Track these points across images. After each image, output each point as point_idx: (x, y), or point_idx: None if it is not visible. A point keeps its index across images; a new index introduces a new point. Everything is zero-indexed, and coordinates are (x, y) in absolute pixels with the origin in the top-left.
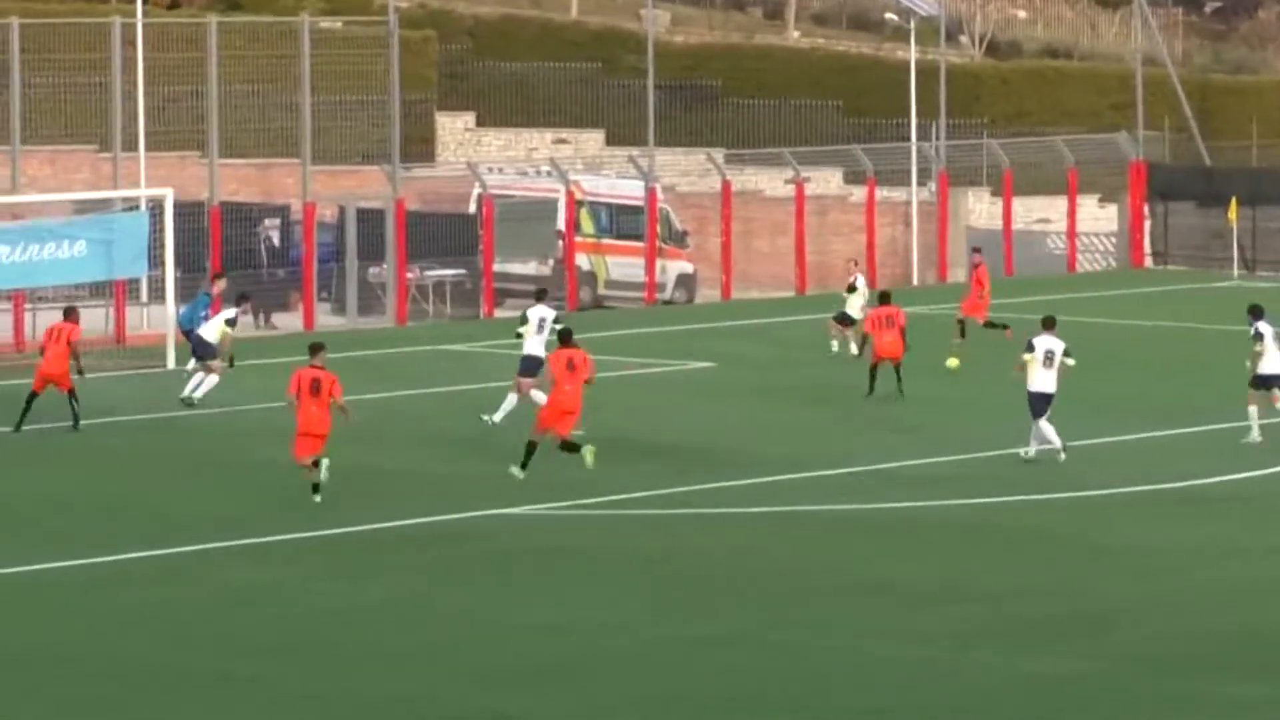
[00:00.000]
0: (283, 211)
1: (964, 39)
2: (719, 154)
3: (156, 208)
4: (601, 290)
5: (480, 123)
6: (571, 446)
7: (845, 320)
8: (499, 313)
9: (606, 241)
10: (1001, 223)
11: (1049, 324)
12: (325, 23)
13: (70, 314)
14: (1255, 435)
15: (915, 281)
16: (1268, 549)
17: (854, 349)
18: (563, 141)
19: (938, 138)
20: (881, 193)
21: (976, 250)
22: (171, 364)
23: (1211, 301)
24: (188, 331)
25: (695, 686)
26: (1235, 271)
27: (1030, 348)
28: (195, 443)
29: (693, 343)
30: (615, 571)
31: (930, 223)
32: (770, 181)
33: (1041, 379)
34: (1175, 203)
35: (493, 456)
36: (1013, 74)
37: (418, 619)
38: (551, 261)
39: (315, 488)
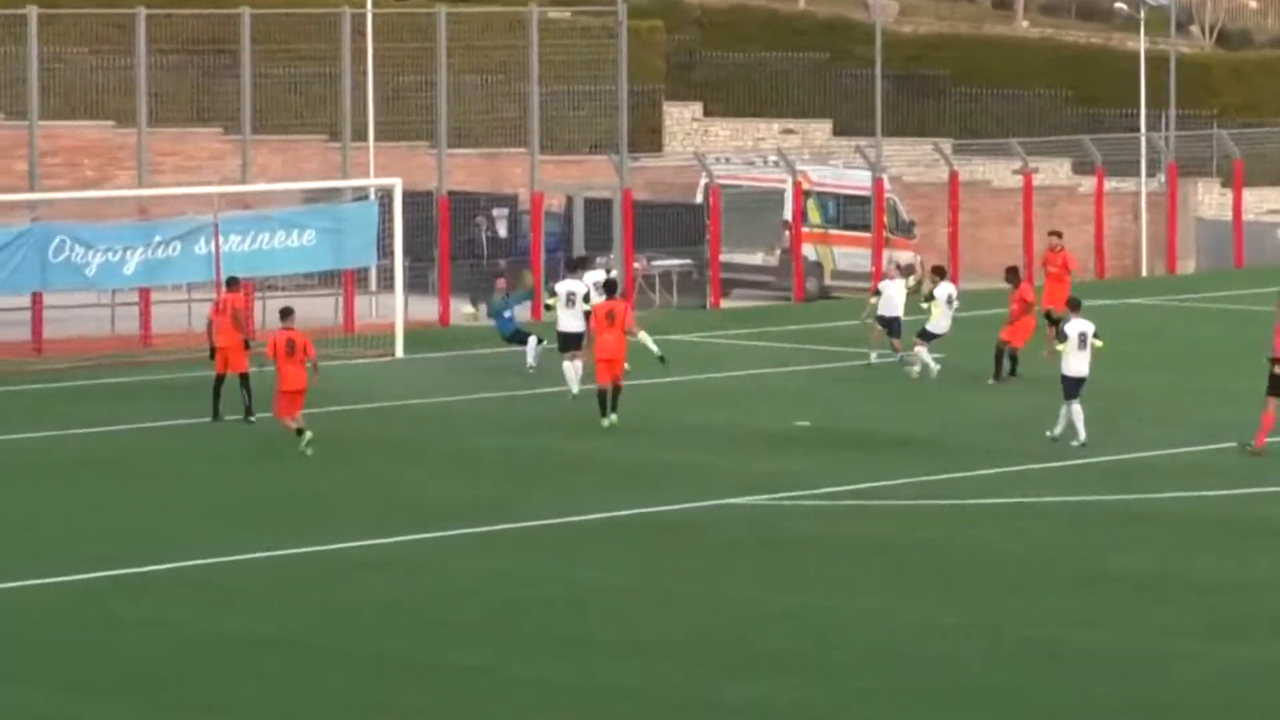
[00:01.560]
0: (510, 201)
1: (1194, 29)
2: (946, 144)
3: (385, 197)
4: (828, 281)
5: (708, 113)
6: (609, 400)
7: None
8: (725, 303)
9: (833, 232)
10: (1231, 214)
11: (1076, 306)
12: (554, 13)
13: (233, 285)
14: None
15: (1144, 273)
16: None
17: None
18: (790, 132)
19: (1167, 128)
20: (1110, 183)
21: (1056, 234)
22: (400, 353)
23: None
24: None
25: (934, 676)
26: None
27: (1063, 335)
28: (421, 430)
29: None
30: (853, 560)
31: (1159, 214)
32: (998, 172)
33: (1076, 362)
34: None
35: (715, 447)
36: (1243, 64)
37: (654, 608)
38: (778, 252)
39: (301, 432)
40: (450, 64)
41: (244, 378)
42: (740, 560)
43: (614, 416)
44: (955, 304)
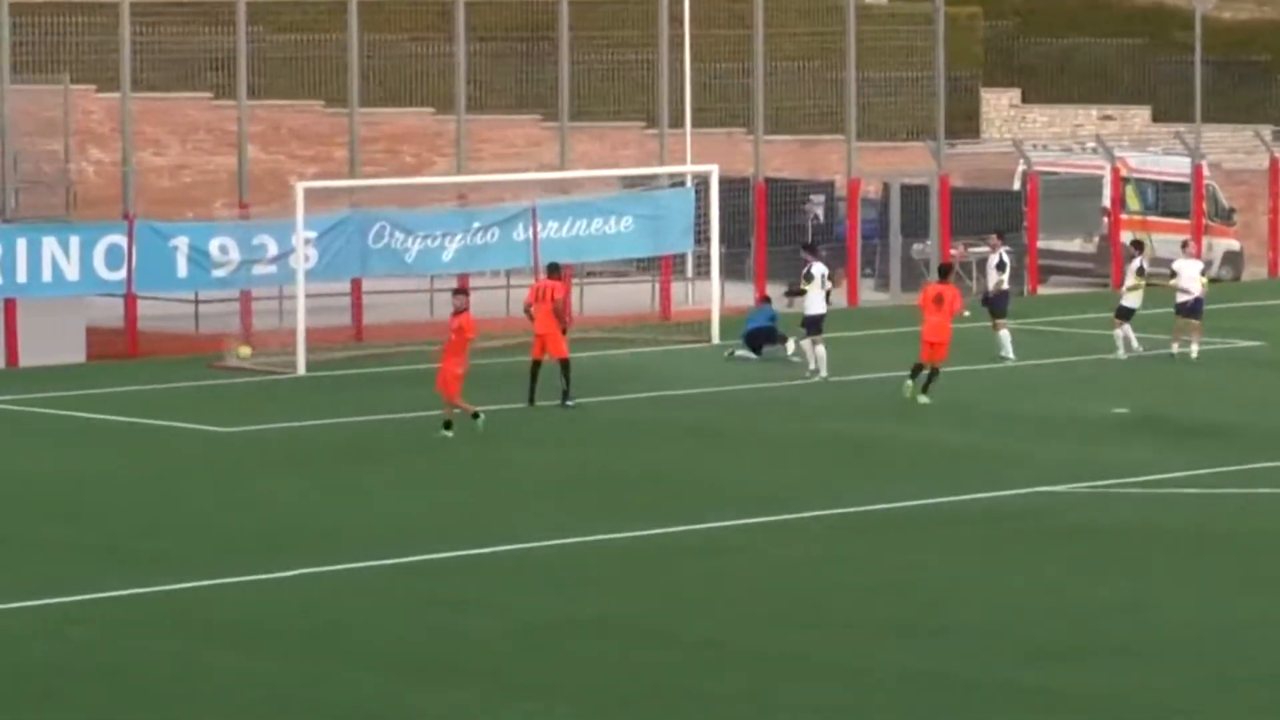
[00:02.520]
0: (827, 188)
1: None
2: (1267, 131)
3: (702, 184)
4: (1148, 267)
5: (1025, 99)
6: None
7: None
8: (1043, 290)
9: (1152, 218)
10: None
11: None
12: None
13: (554, 271)
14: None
15: None
16: None
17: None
18: (1108, 118)
19: None
20: None
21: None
22: (716, 339)
23: None
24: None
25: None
26: None
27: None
28: (739, 415)
29: (1240, 320)
30: (1175, 550)
31: None
32: None
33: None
34: None
35: (1023, 433)
36: None
37: (971, 594)
38: (1097, 238)
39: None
40: (767, 50)
41: (564, 364)
42: (1067, 548)
43: (924, 398)
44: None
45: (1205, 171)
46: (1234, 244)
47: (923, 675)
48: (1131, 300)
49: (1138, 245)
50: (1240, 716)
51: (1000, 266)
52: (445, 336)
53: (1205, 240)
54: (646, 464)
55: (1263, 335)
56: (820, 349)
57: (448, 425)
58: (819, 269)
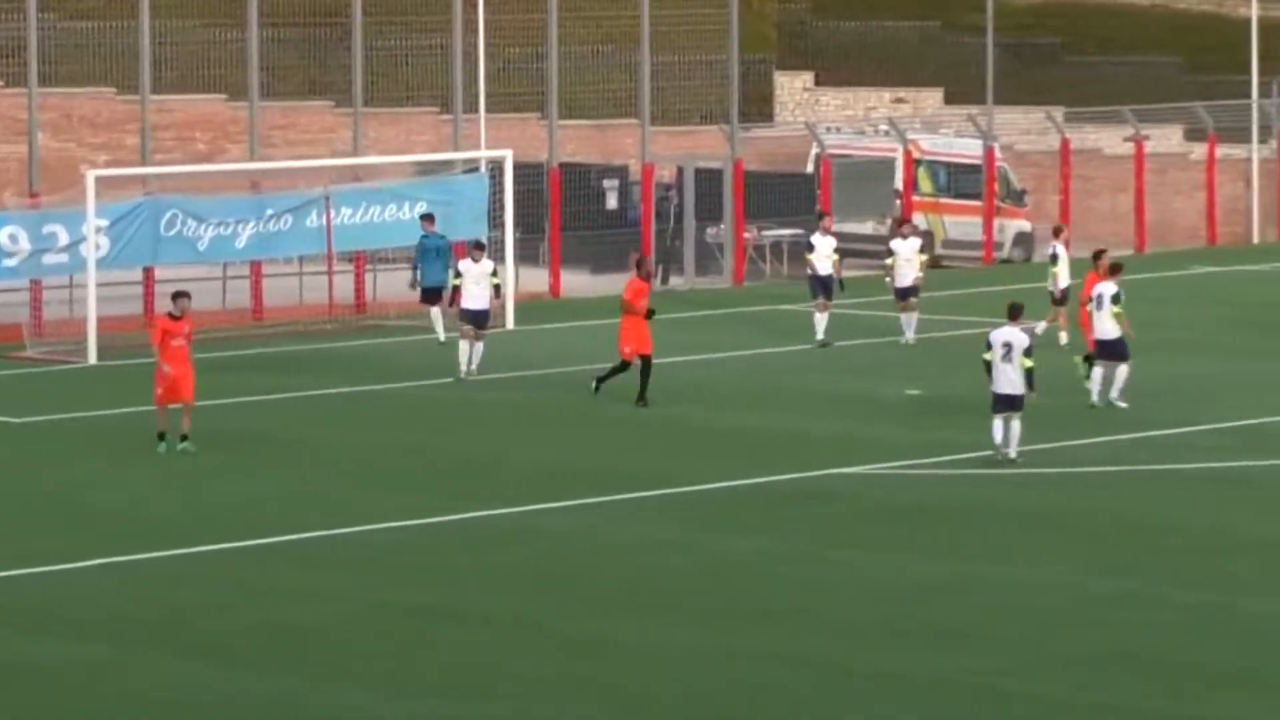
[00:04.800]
0: (621, 172)
1: None
2: (1058, 112)
3: (496, 169)
4: (939, 249)
5: (819, 82)
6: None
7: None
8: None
9: (944, 200)
10: None
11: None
12: None
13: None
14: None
15: (1255, 239)
16: None
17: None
18: (901, 101)
19: (1279, 94)
20: (1222, 150)
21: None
22: (511, 324)
23: None
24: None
25: (1096, 645)
26: None
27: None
28: (541, 400)
29: (1031, 301)
30: (987, 529)
31: (1271, 180)
32: (1109, 139)
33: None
34: None
35: (840, 415)
36: None
37: (787, 575)
38: (889, 220)
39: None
40: (561, 35)
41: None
42: (875, 528)
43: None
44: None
45: (997, 153)
46: (1025, 225)
47: (742, 657)
48: (908, 279)
49: (905, 225)
50: (1065, 695)
51: (809, 248)
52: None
53: (997, 222)
54: (473, 447)
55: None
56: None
57: (178, 438)
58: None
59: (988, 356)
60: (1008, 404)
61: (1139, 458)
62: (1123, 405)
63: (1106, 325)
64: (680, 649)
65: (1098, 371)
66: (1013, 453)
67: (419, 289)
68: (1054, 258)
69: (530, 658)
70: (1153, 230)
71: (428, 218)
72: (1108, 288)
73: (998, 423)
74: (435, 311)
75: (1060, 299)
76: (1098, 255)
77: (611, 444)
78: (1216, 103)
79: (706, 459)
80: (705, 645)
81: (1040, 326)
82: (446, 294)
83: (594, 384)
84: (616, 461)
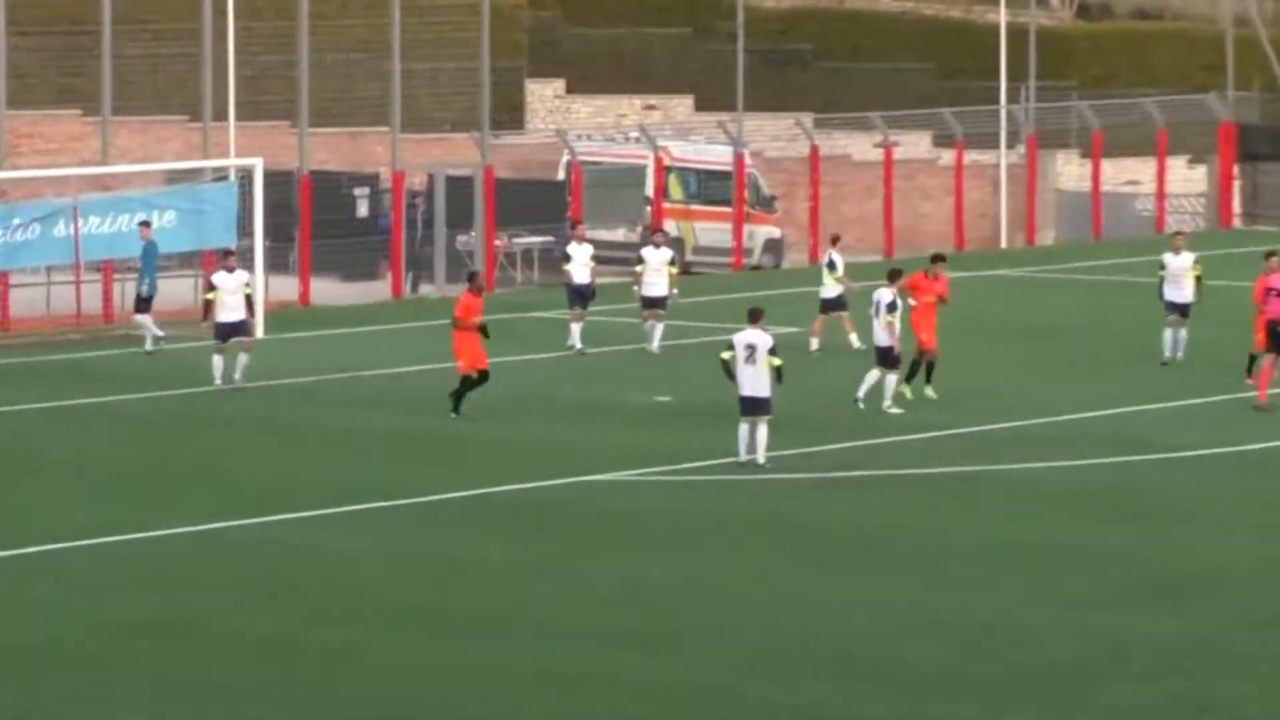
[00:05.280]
0: (371, 180)
1: (1054, 1)
2: (808, 118)
3: (246, 177)
4: (689, 256)
5: (570, 89)
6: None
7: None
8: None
9: (695, 207)
10: (1090, 185)
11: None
12: None
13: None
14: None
15: (1004, 244)
16: None
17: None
18: (652, 108)
19: (1027, 100)
20: (970, 156)
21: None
22: (260, 333)
23: None
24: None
25: (819, 648)
26: None
27: (894, 306)
28: (289, 410)
29: (780, 307)
30: (729, 533)
31: (1019, 185)
32: (859, 145)
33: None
34: (1265, 163)
35: (586, 423)
36: (1103, 36)
37: (528, 583)
38: (640, 227)
39: None
40: (312, 42)
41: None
42: (622, 534)
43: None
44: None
45: (747, 160)
46: (775, 231)
47: (480, 669)
48: (658, 289)
49: (657, 233)
50: (800, 697)
51: (566, 258)
52: None
53: (747, 228)
54: (205, 458)
55: (803, 321)
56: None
57: None
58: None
59: (725, 355)
60: (752, 407)
61: (883, 463)
62: (895, 412)
63: (880, 333)
64: (406, 660)
65: (874, 374)
66: (761, 458)
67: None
68: (830, 265)
69: (257, 668)
70: (901, 236)
71: (146, 224)
72: (884, 295)
73: (744, 427)
74: (146, 319)
75: (834, 305)
76: (935, 259)
77: (356, 454)
78: (965, 109)
79: (454, 468)
80: (430, 657)
81: (855, 286)
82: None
83: (453, 406)
84: (360, 472)
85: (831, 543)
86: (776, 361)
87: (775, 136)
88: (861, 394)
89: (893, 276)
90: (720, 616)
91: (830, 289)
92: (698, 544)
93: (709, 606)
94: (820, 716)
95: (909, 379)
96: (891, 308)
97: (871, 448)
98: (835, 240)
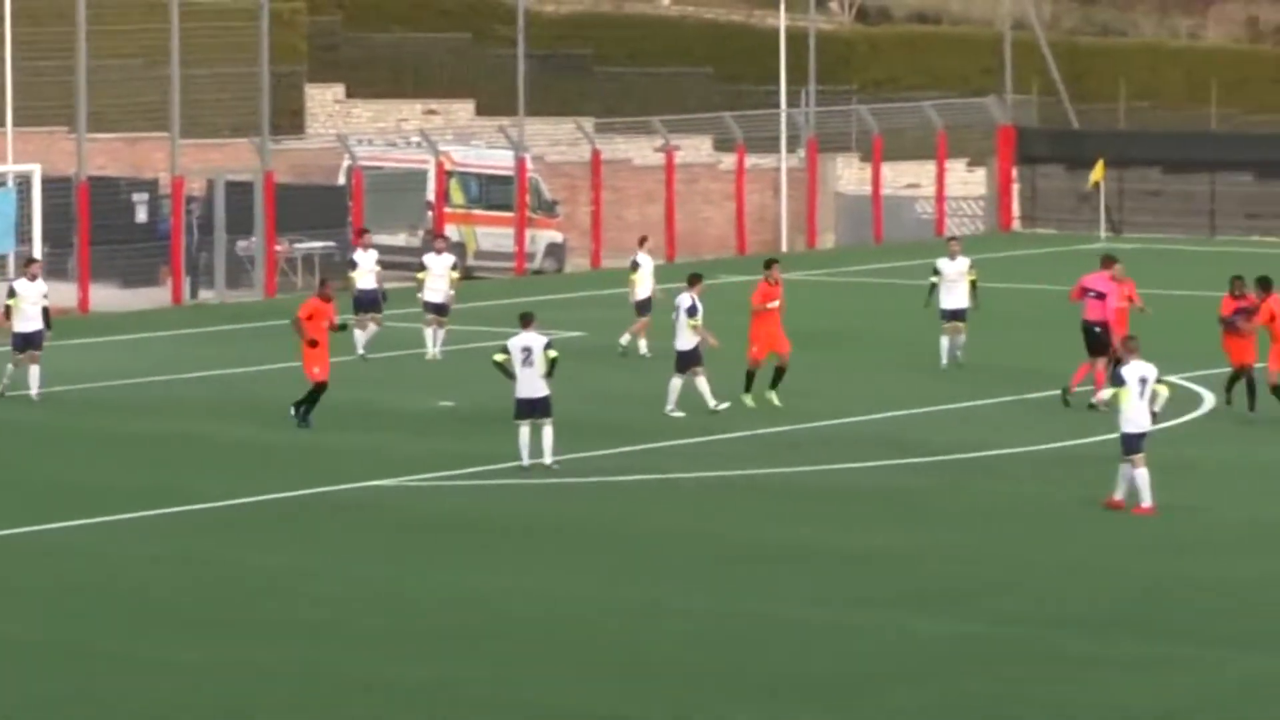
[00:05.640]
0: (150, 186)
1: (834, 5)
2: (589, 123)
3: (24, 183)
4: (471, 261)
5: (350, 94)
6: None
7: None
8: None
9: (476, 212)
10: (870, 188)
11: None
12: None
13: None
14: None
15: (784, 248)
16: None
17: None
18: (432, 112)
19: (807, 104)
20: (751, 160)
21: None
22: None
23: (1078, 264)
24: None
25: (606, 652)
26: (1102, 233)
27: (694, 310)
28: (72, 417)
29: (562, 312)
30: (507, 539)
31: (800, 189)
32: (640, 150)
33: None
34: (1043, 166)
35: (371, 428)
36: (882, 39)
37: (313, 587)
38: (421, 233)
39: None
40: (91, 47)
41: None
42: (397, 540)
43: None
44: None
45: (528, 164)
46: (557, 236)
47: (250, 667)
48: (440, 295)
49: (439, 239)
50: (572, 700)
51: (352, 265)
52: None
53: (529, 233)
54: None
55: (586, 326)
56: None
57: None
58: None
59: (499, 358)
60: (530, 409)
61: (667, 466)
62: (677, 415)
63: (683, 337)
64: (186, 663)
65: (676, 380)
66: (548, 459)
67: None
68: (634, 266)
69: (40, 676)
70: (683, 240)
71: None
72: (684, 300)
73: (524, 430)
74: None
75: (640, 307)
76: (768, 264)
77: (139, 460)
78: (746, 113)
79: (239, 474)
80: (210, 659)
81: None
82: None
83: (297, 416)
84: (141, 478)
85: (610, 546)
86: (553, 353)
87: (556, 141)
88: (671, 405)
89: (693, 281)
90: (492, 620)
91: (641, 290)
92: (476, 548)
93: (481, 610)
94: (594, 718)
95: (747, 389)
96: (692, 312)
97: (655, 451)
98: (643, 241)
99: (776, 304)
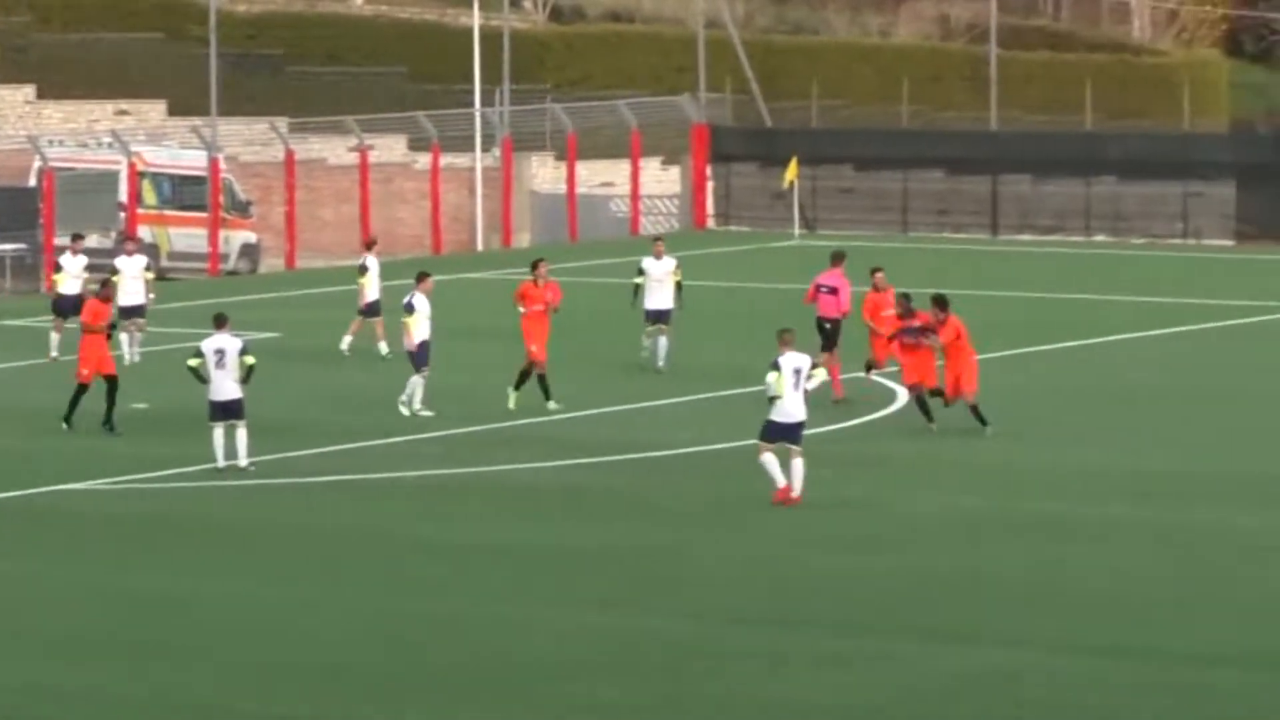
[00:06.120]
0: None
1: (527, 4)
2: (282, 123)
3: None
4: (165, 262)
5: (41, 95)
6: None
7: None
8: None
9: (169, 213)
10: (565, 187)
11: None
12: None
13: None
14: None
15: (480, 247)
16: (837, 502)
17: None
18: (124, 113)
19: (502, 103)
20: (446, 159)
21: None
22: None
23: (773, 260)
24: None
25: (300, 653)
26: (796, 231)
27: (410, 308)
28: None
29: (257, 313)
30: (211, 541)
31: (495, 188)
32: (334, 150)
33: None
34: (737, 164)
35: (65, 431)
36: (576, 38)
37: (6, 592)
38: (114, 234)
39: None
40: None
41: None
42: (88, 544)
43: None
44: None
45: (222, 165)
46: (251, 236)
47: None
48: (135, 298)
49: (130, 241)
50: (291, 704)
51: (57, 268)
52: None
53: (222, 233)
54: None
55: (280, 326)
56: None
57: None
58: None
59: (193, 362)
60: (223, 411)
61: (367, 466)
62: (426, 414)
63: (411, 335)
64: None
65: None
66: (243, 462)
67: None
68: (363, 269)
69: None
70: (379, 240)
71: None
72: (409, 297)
73: (218, 432)
74: None
75: (368, 310)
76: (536, 264)
77: None
78: (440, 112)
79: None
80: None
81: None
82: None
83: (64, 421)
84: None
85: (302, 547)
86: (250, 360)
87: (250, 141)
88: (406, 399)
89: (420, 278)
90: (193, 626)
91: (371, 292)
92: (167, 550)
93: (186, 615)
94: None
95: (517, 386)
96: (408, 309)
97: (351, 452)
98: (371, 245)
99: (540, 307)
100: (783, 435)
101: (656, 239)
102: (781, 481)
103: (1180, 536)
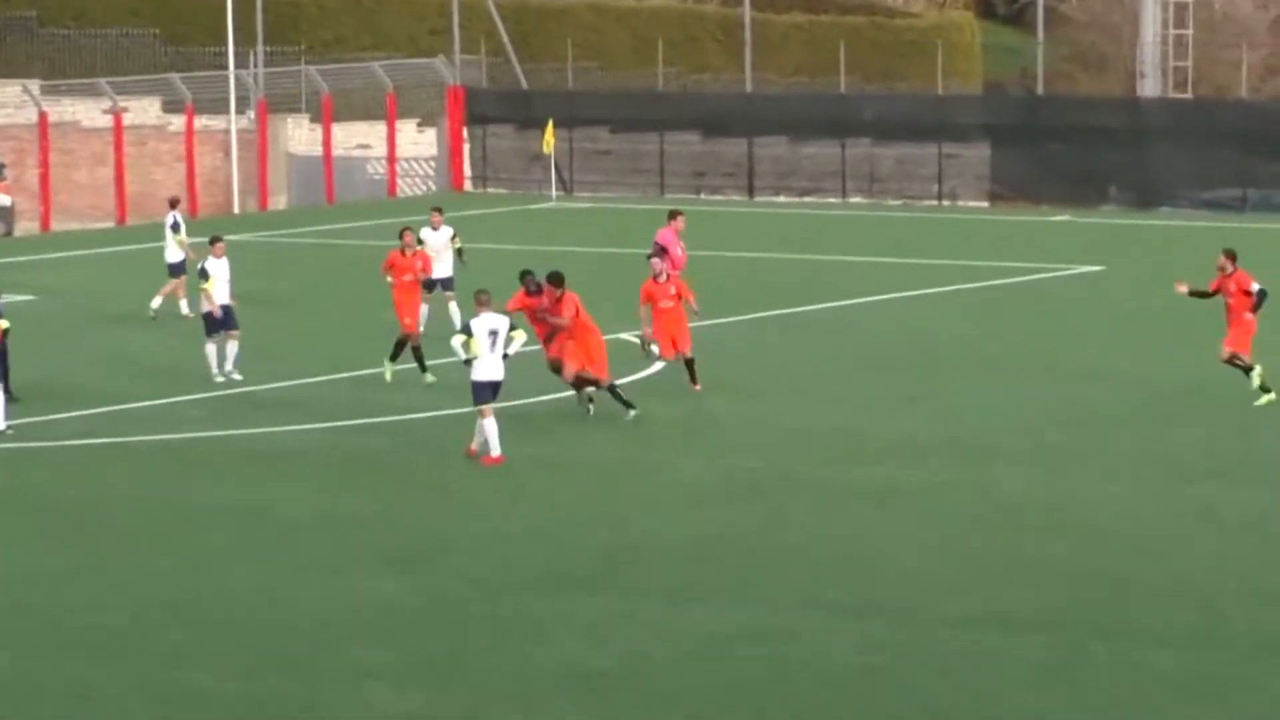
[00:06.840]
0: None
1: None
2: (35, 85)
3: None
4: None
5: None
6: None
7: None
8: None
9: None
10: (322, 149)
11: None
12: None
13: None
14: None
15: (237, 210)
16: (591, 463)
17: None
18: None
19: (256, 65)
20: (201, 121)
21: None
22: None
23: (531, 222)
24: None
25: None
26: (554, 193)
27: (205, 274)
28: None
29: (11, 275)
30: None
31: (251, 151)
32: (88, 112)
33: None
34: (494, 126)
35: None
36: (331, 1)
37: None
38: None
39: None
40: None
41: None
42: None
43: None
44: None
45: None
46: (5, 199)
47: None
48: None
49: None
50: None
51: None
52: None
53: None
54: None
55: (36, 289)
56: None
57: None
58: None
59: (206, 285)
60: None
61: (126, 429)
62: (237, 377)
63: (203, 301)
64: None
65: (211, 348)
66: (1, 424)
67: None
68: (175, 227)
69: None
70: (134, 202)
71: None
72: (201, 264)
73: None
74: None
75: (174, 270)
76: (404, 232)
77: None
78: (194, 75)
79: None
80: None
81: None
82: None
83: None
84: None
85: (59, 514)
86: (4, 324)
87: (2, 104)
88: (219, 365)
89: (213, 241)
90: None
91: (174, 252)
92: None
93: None
94: (74, 694)
95: (393, 358)
96: (203, 275)
97: (113, 414)
98: (175, 203)
99: (410, 278)
100: (491, 395)
101: (434, 209)
102: (476, 443)
103: (930, 498)
